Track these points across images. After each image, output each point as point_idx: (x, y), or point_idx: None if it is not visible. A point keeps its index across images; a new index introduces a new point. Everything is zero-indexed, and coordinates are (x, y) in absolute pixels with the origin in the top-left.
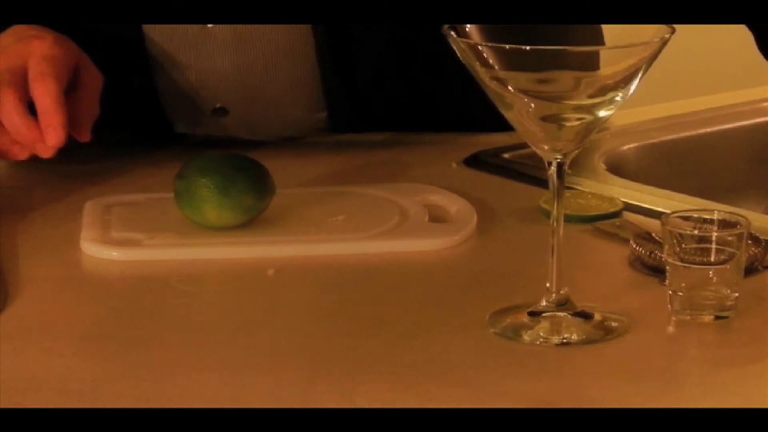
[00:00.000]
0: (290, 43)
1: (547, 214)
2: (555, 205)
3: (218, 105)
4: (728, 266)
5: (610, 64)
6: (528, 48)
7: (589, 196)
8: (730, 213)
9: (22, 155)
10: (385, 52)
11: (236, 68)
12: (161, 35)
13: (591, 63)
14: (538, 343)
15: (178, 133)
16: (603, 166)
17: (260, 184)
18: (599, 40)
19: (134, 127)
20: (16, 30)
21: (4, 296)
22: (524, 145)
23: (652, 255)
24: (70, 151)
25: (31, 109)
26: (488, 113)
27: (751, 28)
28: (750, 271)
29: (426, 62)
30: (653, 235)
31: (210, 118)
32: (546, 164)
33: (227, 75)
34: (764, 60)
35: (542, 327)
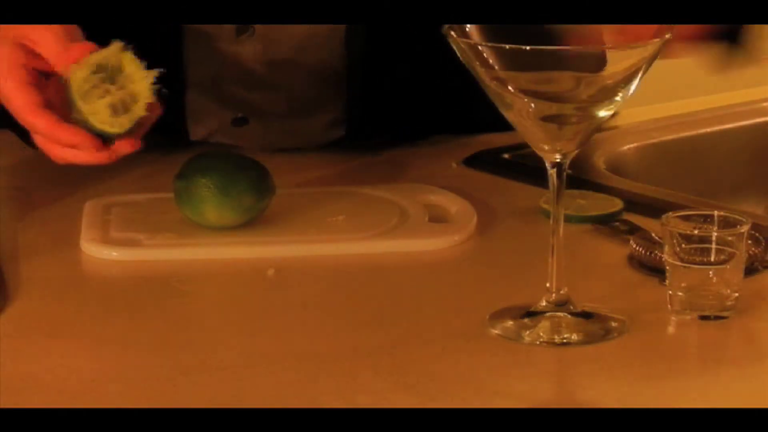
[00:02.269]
0: (319, 57)
1: (547, 214)
2: (555, 205)
3: (240, 114)
4: (728, 266)
5: (610, 64)
6: (528, 48)
7: (589, 196)
8: (730, 213)
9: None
10: (400, 58)
11: (264, 79)
12: (199, 43)
13: (595, 65)
14: (538, 343)
15: (193, 140)
16: (603, 166)
17: (260, 184)
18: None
19: (151, 133)
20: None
21: (4, 296)
22: (524, 145)
23: (652, 255)
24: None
25: None
26: (488, 113)
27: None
28: (750, 271)
29: (426, 62)
30: (653, 235)
31: (229, 127)
32: (546, 164)
33: (255, 85)
34: (764, 60)
35: (542, 327)
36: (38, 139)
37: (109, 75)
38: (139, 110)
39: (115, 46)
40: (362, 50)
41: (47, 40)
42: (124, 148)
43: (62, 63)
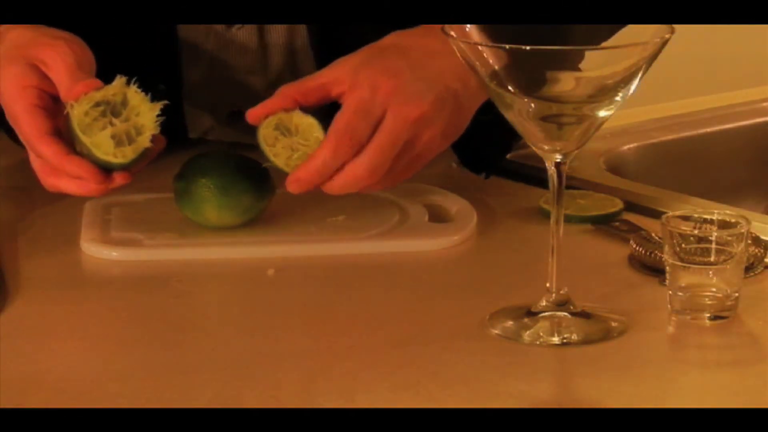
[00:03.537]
0: (296, 50)
1: (547, 214)
2: (555, 205)
3: (235, 108)
4: (728, 266)
5: (610, 64)
6: (528, 48)
7: (589, 196)
8: (730, 213)
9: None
10: None
11: (253, 71)
12: (196, 38)
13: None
14: (538, 343)
15: (192, 138)
16: (603, 166)
17: (260, 184)
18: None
19: None
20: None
21: (4, 296)
22: (524, 145)
23: (652, 255)
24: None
25: None
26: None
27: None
28: (750, 271)
29: None
30: (653, 235)
31: (226, 121)
32: (546, 164)
33: (246, 78)
34: (764, 60)
35: (542, 327)
36: (36, 164)
37: (112, 109)
38: (143, 141)
39: (119, 81)
40: (326, 46)
41: (59, 68)
42: (118, 180)
43: (66, 96)
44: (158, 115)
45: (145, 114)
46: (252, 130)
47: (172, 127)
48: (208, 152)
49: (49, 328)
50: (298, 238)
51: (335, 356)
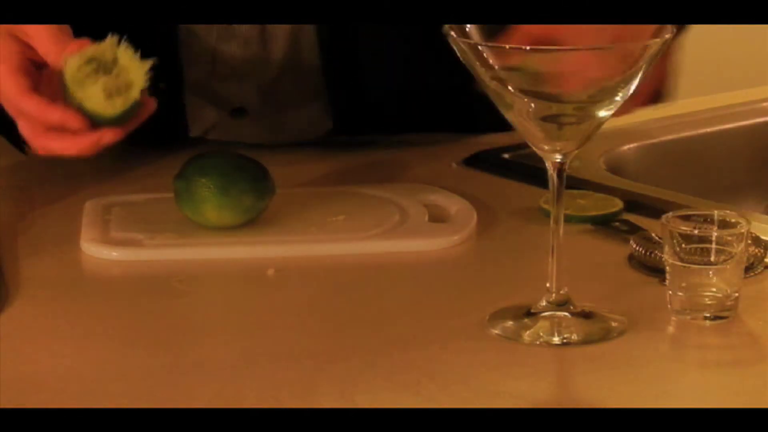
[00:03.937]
0: (298, 47)
1: (547, 214)
2: (555, 205)
3: (237, 105)
4: (728, 266)
5: (610, 64)
6: (528, 48)
7: (589, 196)
8: (730, 213)
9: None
10: (388, 55)
11: (255, 67)
12: (197, 32)
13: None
14: (538, 343)
15: (193, 137)
16: (603, 166)
17: (260, 184)
18: None
19: (151, 132)
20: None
21: (4, 296)
22: (524, 145)
23: (652, 255)
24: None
25: None
26: (488, 113)
27: None
28: (750, 271)
29: (426, 62)
30: (653, 235)
31: (228, 119)
32: (546, 164)
33: (248, 74)
34: (764, 60)
35: (542, 327)
36: (24, 128)
37: (104, 66)
38: (134, 94)
39: (111, 40)
40: (333, 41)
41: (42, 36)
42: (107, 136)
43: (56, 57)
44: (148, 71)
45: (135, 71)
46: (253, 127)
47: (172, 125)
48: (208, 152)
49: (49, 328)
50: (298, 238)
51: (335, 356)
